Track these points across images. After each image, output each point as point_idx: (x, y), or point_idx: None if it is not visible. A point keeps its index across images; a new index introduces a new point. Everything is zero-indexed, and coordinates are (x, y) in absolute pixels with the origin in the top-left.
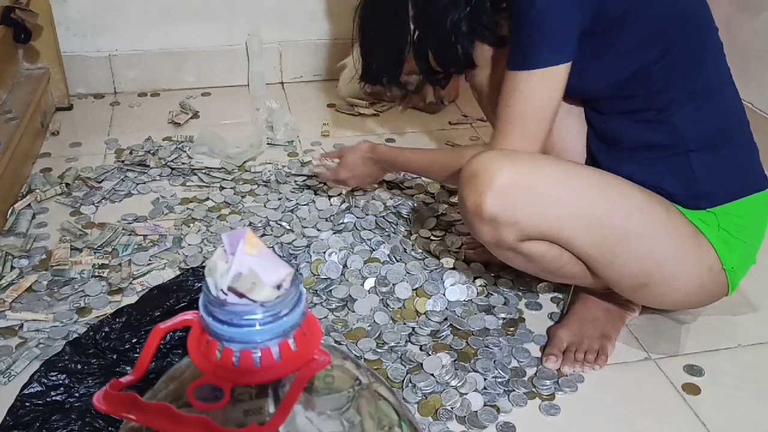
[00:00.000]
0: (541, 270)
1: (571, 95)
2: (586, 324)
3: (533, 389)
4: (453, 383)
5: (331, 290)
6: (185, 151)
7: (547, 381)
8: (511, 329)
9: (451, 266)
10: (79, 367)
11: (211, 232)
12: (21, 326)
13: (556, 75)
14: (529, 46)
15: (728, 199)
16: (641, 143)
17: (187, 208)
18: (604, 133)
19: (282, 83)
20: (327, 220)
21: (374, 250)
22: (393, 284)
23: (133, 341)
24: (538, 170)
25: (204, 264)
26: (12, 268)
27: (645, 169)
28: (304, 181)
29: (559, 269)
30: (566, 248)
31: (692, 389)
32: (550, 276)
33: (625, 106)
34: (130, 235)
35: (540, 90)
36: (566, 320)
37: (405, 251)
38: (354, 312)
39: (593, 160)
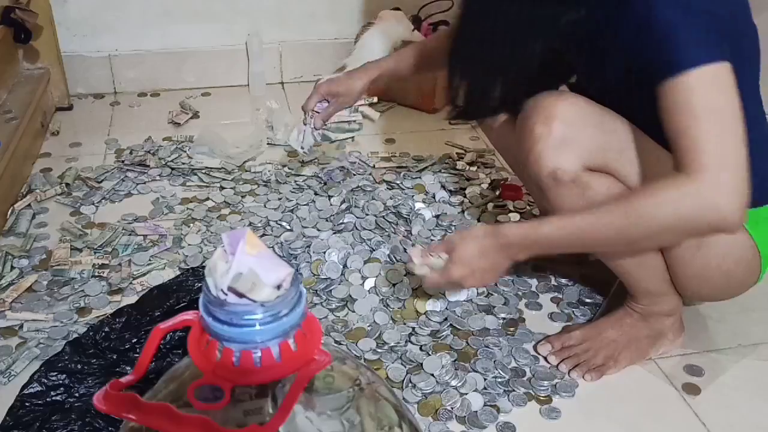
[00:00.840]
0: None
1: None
2: (604, 341)
3: (531, 391)
4: (453, 383)
5: (331, 290)
6: (185, 151)
7: (545, 382)
8: (511, 329)
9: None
10: (79, 367)
11: (211, 232)
12: (21, 326)
13: (727, 73)
14: (689, 40)
15: (757, 205)
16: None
17: (187, 208)
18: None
19: (282, 83)
20: (327, 220)
21: (374, 250)
22: (393, 284)
23: (133, 341)
24: (605, 112)
25: (204, 264)
26: (12, 268)
27: None
28: (304, 180)
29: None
30: (628, 182)
31: (692, 389)
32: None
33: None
34: (130, 235)
35: (727, 82)
36: (591, 323)
37: (405, 251)
38: (354, 312)
39: None
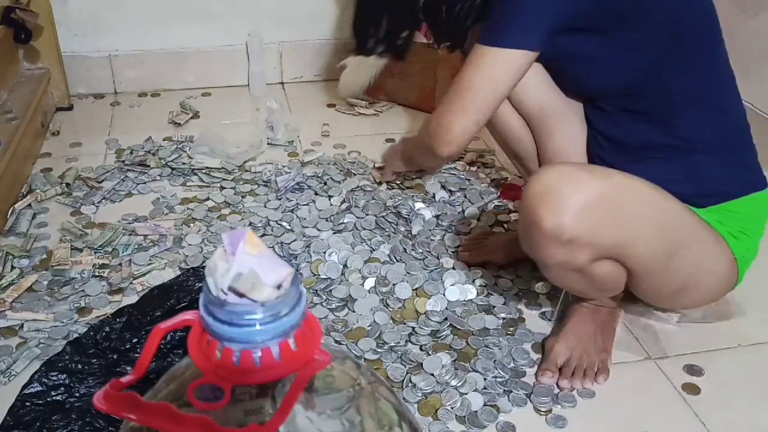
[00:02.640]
0: (591, 289)
1: (576, 92)
2: (584, 339)
3: (530, 402)
4: (453, 383)
5: (331, 290)
6: (185, 151)
7: (544, 398)
8: (511, 329)
9: (451, 266)
10: (79, 367)
11: (212, 232)
12: (21, 326)
13: (513, 58)
14: (500, 24)
15: (731, 197)
16: (644, 143)
17: (188, 208)
18: (607, 132)
19: (282, 83)
20: (327, 220)
21: (374, 250)
22: (393, 284)
23: (134, 341)
24: (617, 185)
25: (204, 264)
26: (12, 268)
27: (653, 168)
28: (299, 183)
29: (604, 285)
30: (629, 262)
31: (692, 389)
32: (590, 293)
33: (630, 104)
34: (130, 235)
35: (495, 68)
36: (563, 334)
37: (405, 251)
38: (354, 312)
39: (593, 161)
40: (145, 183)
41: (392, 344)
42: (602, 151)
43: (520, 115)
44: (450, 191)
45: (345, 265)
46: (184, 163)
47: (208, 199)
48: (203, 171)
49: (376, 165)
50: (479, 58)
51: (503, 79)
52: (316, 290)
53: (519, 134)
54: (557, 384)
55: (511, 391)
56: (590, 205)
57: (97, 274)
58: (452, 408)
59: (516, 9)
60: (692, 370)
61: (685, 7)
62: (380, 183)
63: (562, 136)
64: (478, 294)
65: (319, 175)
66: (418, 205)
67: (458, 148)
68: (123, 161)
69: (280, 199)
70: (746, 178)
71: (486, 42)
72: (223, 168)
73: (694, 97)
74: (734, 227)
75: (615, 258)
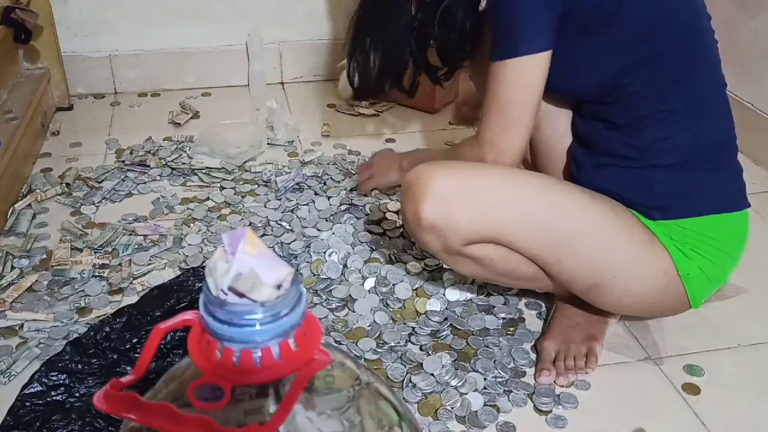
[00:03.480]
0: (496, 274)
1: (552, 94)
2: (570, 330)
3: (531, 402)
4: (453, 383)
5: (331, 290)
6: (185, 151)
7: (546, 398)
8: (511, 329)
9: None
10: (79, 367)
11: (212, 232)
12: (21, 326)
13: (535, 63)
14: (511, 35)
15: (682, 216)
16: (607, 149)
17: (188, 208)
18: (582, 137)
19: (282, 83)
20: (327, 220)
21: (374, 250)
22: (393, 284)
23: (134, 341)
24: (475, 175)
25: (204, 264)
26: (12, 268)
27: (607, 174)
28: (299, 183)
29: (513, 271)
30: (513, 249)
31: (692, 389)
32: (509, 281)
33: (601, 112)
34: (130, 235)
35: (518, 77)
36: (549, 331)
37: (405, 251)
38: (354, 312)
39: (571, 161)
40: (145, 183)
41: (392, 344)
42: (577, 152)
43: None
44: None
45: (345, 265)
46: (184, 163)
47: (208, 199)
48: (203, 171)
49: (359, 170)
50: (506, 73)
51: (536, 84)
52: (316, 290)
53: None
54: (555, 382)
55: (512, 391)
56: (444, 194)
57: (97, 274)
58: (452, 408)
59: (516, 18)
60: (692, 370)
61: (660, 21)
62: (365, 194)
63: (548, 130)
64: (478, 294)
65: (319, 175)
66: None
67: (518, 162)
68: (123, 161)
69: (280, 199)
70: (708, 198)
71: (504, 56)
72: (223, 168)
73: (662, 112)
74: (685, 244)
75: (491, 242)
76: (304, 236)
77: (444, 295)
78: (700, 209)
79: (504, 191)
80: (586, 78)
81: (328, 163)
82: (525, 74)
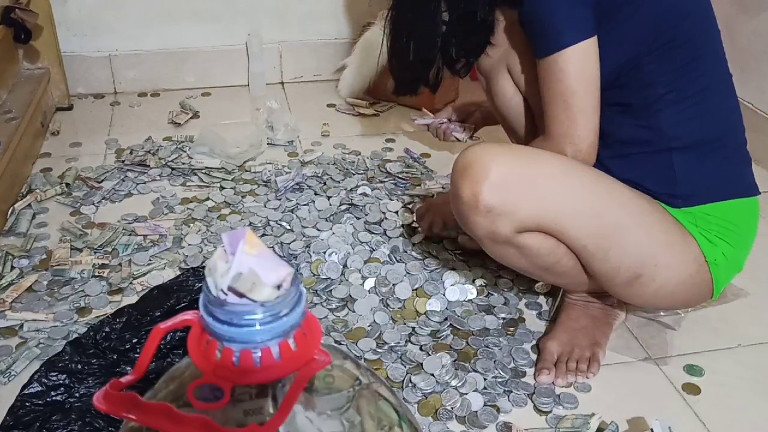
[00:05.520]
0: (535, 266)
1: None
2: (575, 333)
3: (531, 402)
4: (453, 383)
5: (331, 290)
6: (185, 151)
7: (546, 399)
8: (511, 329)
9: (451, 266)
10: (79, 367)
11: (212, 232)
12: (21, 326)
13: (584, 50)
14: (551, 31)
15: (706, 201)
16: (626, 137)
17: (187, 208)
18: None
19: (282, 83)
20: (327, 220)
21: (374, 250)
22: (393, 284)
23: (134, 341)
24: (535, 161)
25: (204, 264)
26: (12, 268)
27: (627, 163)
28: (299, 183)
29: (554, 265)
30: (562, 240)
31: (692, 389)
32: (544, 273)
33: (614, 96)
34: (130, 235)
35: (572, 67)
36: (554, 331)
37: (405, 251)
38: (354, 312)
39: None
40: (145, 183)
41: (392, 344)
42: None
43: (522, 96)
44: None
45: (345, 265)
46: (184, 163)
47: (208, 199)
48: (203, 171)
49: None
50: (561, 66)
51: (591, 69)
52: (316, 290)
53: (518, 112)
54: (554, 382)
55: (512, 391)
56: (505, 178)
57: (97, 274)
58: (452, 408)
59: (557, 10)
60: (692, 370)
61: (675, 6)
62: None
63: (499, 97)
64: (478, 294)
65: (319, 175)
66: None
67: (596, 147)
68: (123, 161)
69: (279, 199)
70: (727, 182)
71: (552, 50)
72: (223, 168)
73: (678, 95)
74: (709, 231)
75: (545, 231)
76: (304, 236)
77: (444, 295)
78: (720, 194)
79: (561, 179)
80: (611, 62)
81: (328, 163)
82: (577, 63)
